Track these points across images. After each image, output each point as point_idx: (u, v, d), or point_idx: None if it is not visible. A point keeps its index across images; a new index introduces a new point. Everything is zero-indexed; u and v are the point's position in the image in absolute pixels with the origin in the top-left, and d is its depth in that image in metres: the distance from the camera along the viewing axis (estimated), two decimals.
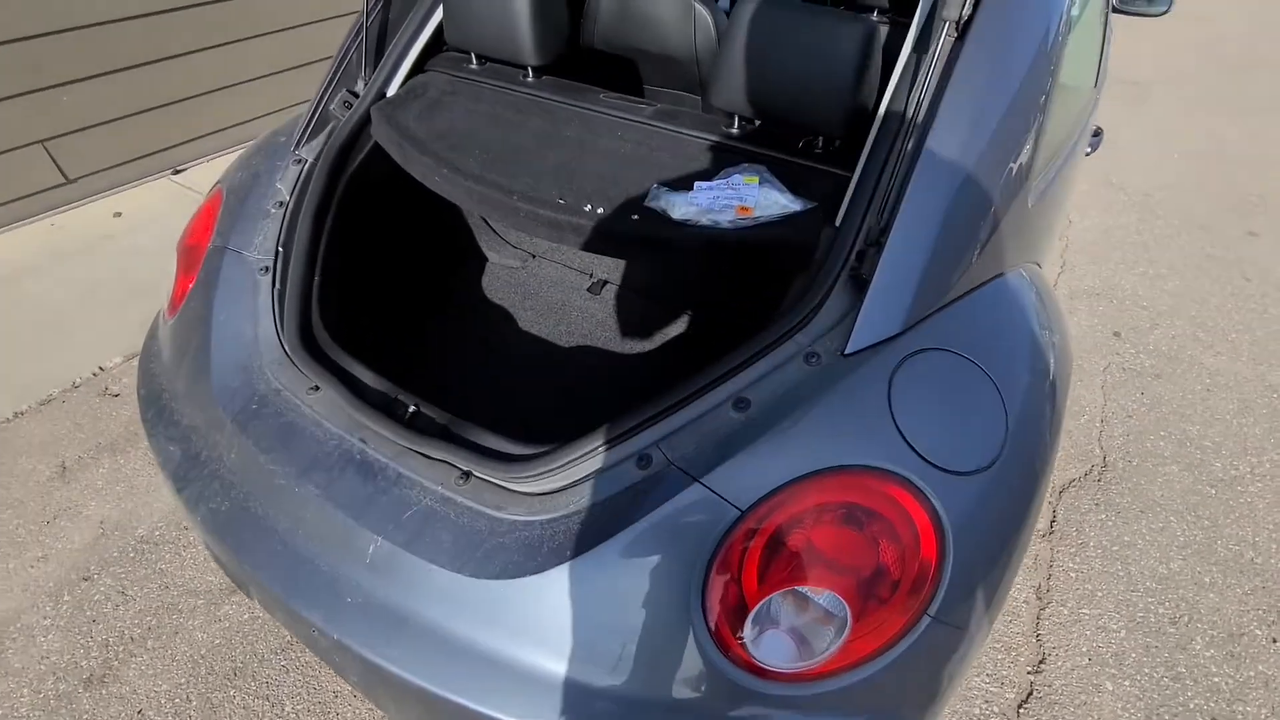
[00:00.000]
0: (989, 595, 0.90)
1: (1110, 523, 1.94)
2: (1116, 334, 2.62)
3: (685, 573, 0.86)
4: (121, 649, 1.60)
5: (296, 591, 1.00)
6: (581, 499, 0.95)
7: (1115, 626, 1.70)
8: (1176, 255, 3.09)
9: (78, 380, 2.27)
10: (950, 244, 0.98)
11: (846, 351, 0.94)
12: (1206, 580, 1.81)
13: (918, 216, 0.97)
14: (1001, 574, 0.91)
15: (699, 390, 0.95)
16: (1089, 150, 2.03)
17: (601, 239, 1.16)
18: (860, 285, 0.98)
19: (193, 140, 3.43)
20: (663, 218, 1.13)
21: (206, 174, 3.40)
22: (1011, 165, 1.05)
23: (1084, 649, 1.65)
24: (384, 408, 1.13)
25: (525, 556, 0.92)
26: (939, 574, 0.86)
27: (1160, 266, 3.01)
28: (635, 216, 1.15)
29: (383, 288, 1.66)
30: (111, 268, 2.74)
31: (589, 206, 1.18)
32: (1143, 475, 2.08)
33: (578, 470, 0.97)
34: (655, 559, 0.87)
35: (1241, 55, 5.56)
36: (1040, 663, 1.63)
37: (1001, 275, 1.08)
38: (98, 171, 3.14)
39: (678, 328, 1.84)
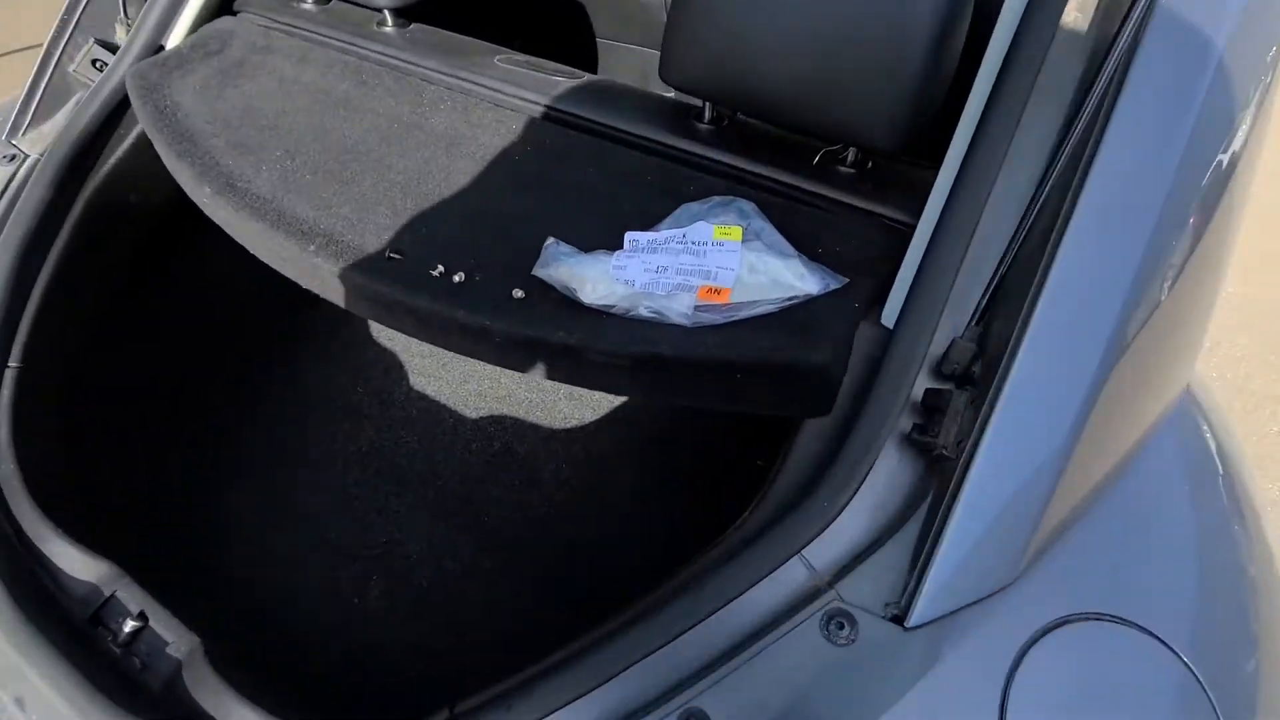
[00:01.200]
0: None
1: None
2: None
3: None
4: None
5: None
6: None
7: None
8: None
9: None
10: (1132, 374, 0.50)
11: (911, 623, 0.46)
12: None
13: (1070, 316, 0.49)
14: None
15: (601, 682, 0.47)
16: None
17: (460, 336, 0.64)
18: (935, 464, 0.50)
19: None
20: (564, 301, 0.62)
21: None
22: (1217, 204, 0.57)
23: None
24: (80, 624, 0.65)
25: None
26: None
27: None
28: (520, 294, 0.63)
29: (158, 368, 1.07)
30: None
31: (440, 270, 0.65)
32: None
33: None
34: None
35: None
36: None
37: (1173, 414, 0.60)
38: None
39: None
